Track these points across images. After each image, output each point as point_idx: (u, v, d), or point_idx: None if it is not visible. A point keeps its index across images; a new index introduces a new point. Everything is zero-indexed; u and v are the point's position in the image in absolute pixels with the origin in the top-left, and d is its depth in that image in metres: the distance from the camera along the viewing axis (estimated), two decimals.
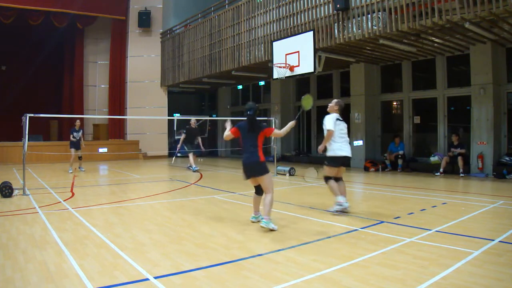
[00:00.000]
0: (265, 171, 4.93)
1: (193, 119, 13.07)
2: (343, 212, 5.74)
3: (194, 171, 12.19)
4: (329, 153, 5.85)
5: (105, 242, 4.31)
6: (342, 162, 5.92)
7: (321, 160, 14.85)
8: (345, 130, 6.00)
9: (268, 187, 4.93)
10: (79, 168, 12.47)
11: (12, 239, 4.43)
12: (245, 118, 5.20)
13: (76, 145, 11.96)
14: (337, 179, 5.98)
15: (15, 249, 4.03)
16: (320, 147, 5.98)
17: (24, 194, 7.46)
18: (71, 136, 11.92)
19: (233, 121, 20.32)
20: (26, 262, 3.63)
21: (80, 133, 11.99)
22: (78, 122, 12.23)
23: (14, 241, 4.33)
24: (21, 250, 4.01)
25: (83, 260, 3.68)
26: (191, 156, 12.51)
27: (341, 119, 6.01)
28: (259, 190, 5.15)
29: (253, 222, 5.24)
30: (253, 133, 5.08)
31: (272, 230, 4.75)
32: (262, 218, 4.86)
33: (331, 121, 5.82)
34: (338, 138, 5.84)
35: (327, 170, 5.90)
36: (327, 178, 5.89)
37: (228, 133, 5.23)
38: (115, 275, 3.31)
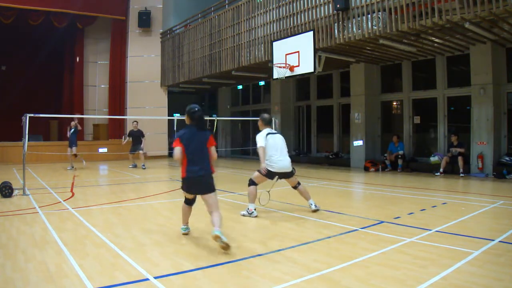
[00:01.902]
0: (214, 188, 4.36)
1: (134, 122, 13.66)
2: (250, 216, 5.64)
3: (143, 168, 13.00)
4: (265, 163, 5.68)
5: (105, 242, 4.31)
6: (278, 175, 5.81)
7: (321, 161, 14.81)
8: (280, 143, 5.81)
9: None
10: (70, 167, 13.11)
11: (12, 239, 4.43)
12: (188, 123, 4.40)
13: (69, 143, 13.13)
14: (295, 187, 6.00)
15: (15, 249, 4.03)
16: (262, 167, 5.65)
17: (24, 194, 7.46)
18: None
19: (232, 121, 20.38)
20: (26, 262, 3.63)
21: (71, 131, 12.99)
22: (72, 122, 13.18)
23: (14, 241, 4.33)
24: (21, 250, 4.01)
25: (83, 260, 3.68)
26: (137, 155, 13.35)
27: (274, 132, 5.89)
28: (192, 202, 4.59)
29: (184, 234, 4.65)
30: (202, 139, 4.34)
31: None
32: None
33: (260, 138, 5.67)
34: (272, 152, 5.69)
35: (255, 175, 5.80)
36: (251, 182, 5.81)
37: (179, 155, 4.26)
38: (115, 275, 3.31)
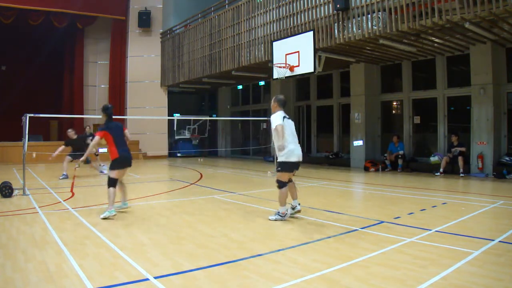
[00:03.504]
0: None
1: (69, 130, 11.04)
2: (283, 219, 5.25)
3: (102, 172, 11.07)
4: (281, 158, 5.17)
5: (105, 242, 4.31)
6: (296, 166, 5.34)
7: (321, 161, 14.81)
8: (293, 128, 5.37)
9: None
10: (78, 165, 13.16)
11: (12, 239, 4.43)
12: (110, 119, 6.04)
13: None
14: (289, 181, 5.48)
15: (15, 249, 4.03)
16: (279, 148, 5.12)
17: (24, 194, 7.46)
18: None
19: (232, 121, 20.42)
20: (26, 262, 3.63)
21: (90, 137, 13.27)
22: (88, 128, 13.42)
23: (14, 241, 4.33)
24: (21, 250, 4.01)
25: (83, 260, 3.68)
26: (65, 161, 10.76)
27: (287, 116, 5.33)
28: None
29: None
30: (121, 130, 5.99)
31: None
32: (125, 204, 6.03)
33: (278, 117, 5.14)
34: (290, 138, 5.20)
35: (282, 175, 5.24)
36: (281, 184, 5.22)
37: (95, 141, 5.84)
38: (115, 275, 3.31)
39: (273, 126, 5.16)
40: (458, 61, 11.56)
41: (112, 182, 5.63)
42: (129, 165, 5.88)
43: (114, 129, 5.82)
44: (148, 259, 3.76)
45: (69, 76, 19.07)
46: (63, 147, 10.78)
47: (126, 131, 6.08)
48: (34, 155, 10.19)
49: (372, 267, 3.50)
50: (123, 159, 5.70)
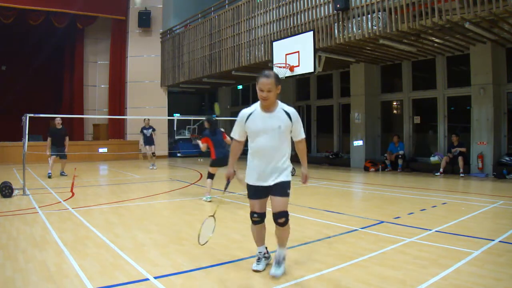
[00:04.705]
0: None
1: (57, 118, 10.72)
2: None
3: (49, 177, 10.28)
4: (290, 176, 3.65)
5: (105, 242, 4.31)
6: None
7: (321, 161, 14.78)
8: None
9: None
10: (151, 165, 13.20)
11: (12, 239, 4.43)
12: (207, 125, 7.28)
13: (149, 141, 13.01)
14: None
15: (15, 249, 4.03)
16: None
17: (24, 194, 7.46)
18: (142, 134, 13.06)
19: (232, 122, 20.27)
20: (26, 262, 3.63)
21: (150, 130, 12.97)
22: (147, 120, 13.22)
23: (14, 241, 4.33)
24: (21, 250, 4.01)
25: (83, 260, 3.68)
26: (51, 160, 10.59)
27: None
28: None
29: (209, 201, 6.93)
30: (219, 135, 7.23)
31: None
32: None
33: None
34: None
35: (288, 203, 3.55)
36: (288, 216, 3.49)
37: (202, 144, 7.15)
38: (115, 275, 3.31)
39: (301, 132, 3.71)
40: (458, 61, 11.56)
41: (209, 175, 7.20)
42: (226, 164, 6.78)
43: (213, 135, 7.15)
44: (148, 259, 3.76)
45: (69, 76, 19.06)
46: (49, 143, 10.58)
47: (227, 139, 7.19)
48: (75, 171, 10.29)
49: (372, 267, 3.50)
50: (218, 160, 7.08)
